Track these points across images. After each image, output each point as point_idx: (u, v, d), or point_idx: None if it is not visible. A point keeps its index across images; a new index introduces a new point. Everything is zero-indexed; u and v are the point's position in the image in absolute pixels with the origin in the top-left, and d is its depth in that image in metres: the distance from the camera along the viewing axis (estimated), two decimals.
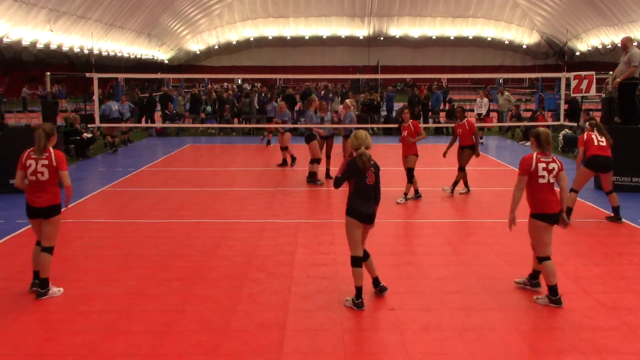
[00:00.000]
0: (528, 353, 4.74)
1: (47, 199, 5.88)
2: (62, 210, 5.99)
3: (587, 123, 9.10)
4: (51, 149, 5.94)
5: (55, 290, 5.97)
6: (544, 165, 5.62)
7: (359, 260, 5.67)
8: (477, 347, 4.83)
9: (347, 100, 13.41)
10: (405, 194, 10.12)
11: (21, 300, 5.83)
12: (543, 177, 5.59)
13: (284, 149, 14.10)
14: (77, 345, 4.87)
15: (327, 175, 12.13)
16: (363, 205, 5.60)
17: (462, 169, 10.75)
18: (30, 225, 6.29)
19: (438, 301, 5.79)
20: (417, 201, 10.18)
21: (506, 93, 21.07)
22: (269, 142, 18.11)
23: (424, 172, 13.16)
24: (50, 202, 5.90)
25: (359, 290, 5.61)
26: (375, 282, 5.93)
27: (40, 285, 5.90)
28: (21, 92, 32.54)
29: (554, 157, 5.72)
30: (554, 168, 5.64)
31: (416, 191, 10.33)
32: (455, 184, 10.79)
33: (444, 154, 10.92)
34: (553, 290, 5.61)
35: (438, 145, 19.01)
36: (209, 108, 22.50)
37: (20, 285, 6.19)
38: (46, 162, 5.86)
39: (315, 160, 11.85)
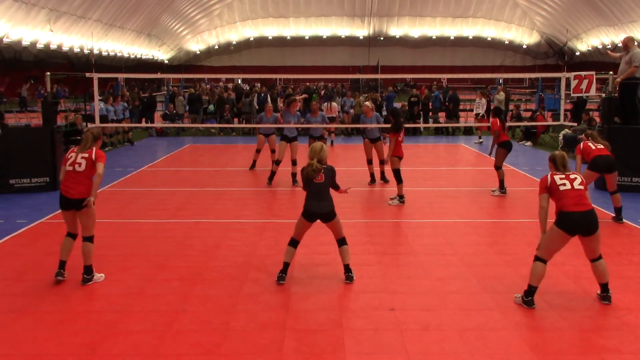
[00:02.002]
0: (528, 353, 4.74)
1: (80, 191, 6.14)
2: (89, 199, 6.11)
3: (583, 134, 9.25)
4: (94, 149, 6.30)
5: (98, 276, 6.36)
6: (561, 176, 5.60)
7: (296, 243, 6.33)
8: (477, 347, 4.83)
9: (368, 103, 12.71)
10: (400, 196, 10.02)
11: (21, 300, 5.83)
12: (564, 184, 5.54)
13: (258, 151, 13.46)
14: (77, 345, 4.87)
15: None
16: (313, 205, 6.18)
17: (497, 168, 10.74)
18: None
19: (438, 301, 5.79)
20: (415, 201, 10.16)
21: (501, 93, 20.96)
22: (332, 143, 18.15)
23: (424, 172, 13.18)
24: (81, 195, 6.14)
25: (285, 265, 6.29)
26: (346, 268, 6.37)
27: (85, 271, 6.27)
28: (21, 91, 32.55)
29: (575, 173, 5.69)
30: (576, 177, 5.59)
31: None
32: (501, 183, 10.73)
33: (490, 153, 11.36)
34: (528, 291, 5.62)
35: (438, 145, 19.04)
36: (211, 107, 22.50)
37: (21, 285, 6.20)
38: (86, 155, 6.24)
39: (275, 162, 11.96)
